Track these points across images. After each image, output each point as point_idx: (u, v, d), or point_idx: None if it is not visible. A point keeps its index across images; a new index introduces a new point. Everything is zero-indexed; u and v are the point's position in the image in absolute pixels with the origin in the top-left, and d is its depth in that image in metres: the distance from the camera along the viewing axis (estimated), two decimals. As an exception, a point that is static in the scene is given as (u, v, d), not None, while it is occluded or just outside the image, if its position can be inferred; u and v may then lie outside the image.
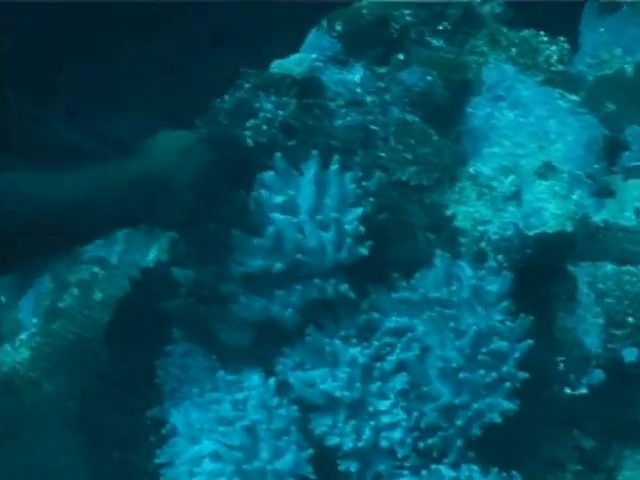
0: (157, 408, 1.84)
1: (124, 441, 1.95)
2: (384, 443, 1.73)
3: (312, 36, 2.01)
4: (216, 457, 1.73)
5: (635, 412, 1.81)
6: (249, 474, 1.70)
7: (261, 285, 1.75)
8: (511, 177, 1.88)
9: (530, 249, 1.80)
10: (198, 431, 1.76)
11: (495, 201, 1.87)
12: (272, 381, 1.78)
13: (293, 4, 2.01)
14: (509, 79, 1.97)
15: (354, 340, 1.76)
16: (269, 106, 1.84)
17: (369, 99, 1.94)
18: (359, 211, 1.76)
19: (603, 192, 1.87)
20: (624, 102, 1.95)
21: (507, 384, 1.73)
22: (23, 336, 2.30)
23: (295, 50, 1.99)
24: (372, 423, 1.73)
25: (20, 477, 2.06)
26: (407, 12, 2.01)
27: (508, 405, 1.73)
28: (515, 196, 1.86)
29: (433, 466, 1.74)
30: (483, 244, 1.83)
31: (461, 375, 1.72)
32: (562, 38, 2.02)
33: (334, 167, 1.77)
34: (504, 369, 1.73)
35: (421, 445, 1.73)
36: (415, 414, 1.73)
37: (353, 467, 1.74)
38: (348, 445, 1.73)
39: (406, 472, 1.74)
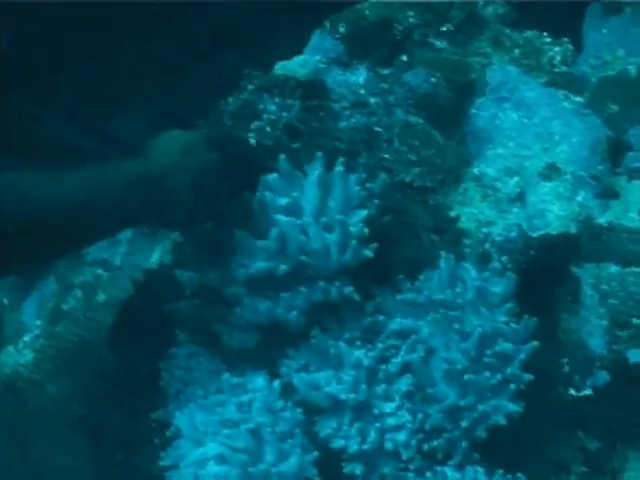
0: (161, 410, 1.83)
1: (128, 443, 1.95)
2: (389, 445, 1.73)
3: (315, 38, 2.01)
4: (221, 460, 1.73)
5: (640, 413, 1.82)
6: (254, 477, 1.70)
7: (265, 287, 1.75)
8: (515, 178, 1.88)
9: (534, 250, 1.80)
10: (203, 434, 1.76)
11: (499, 202, 1.87)
12: (277, 383, 1.77)
13: (293, 4, 2.01)
14: (513, 80, 1.97)
15: (359, 342, 1.76)
16: (273, 108, 1.84)
17: (373, 101, 1.94)
18: (363, 213, 1.76)
19: (607, 193, 1.86)
20: (627, 103, 1.95)
21: (512, 386, 1.73)
22: (26, 338, 2.29)
23: (297, 50, 1.99)
24: (377, 425, 1.73)
25: (23, 479, 2.06)
26: (410, 14, 2.01)
27: (513, 407, 1.73)
28: (519, 197, 1.86)
29: (438, 468, 1.74)
30: (487, 245, 1.83)
31: (466, 377, 1.72)
32: (565, 39, 2.02)
33: (338, 169, 1.77)
34: (509, 371, 1.73)
35: (426, 447, 1.73)
36: (420, 416, 1.73)
37: (358, 469, 1.74)
38: (353, 447, 1.73)
39: (411, 474, 1.74)
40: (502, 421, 1.72)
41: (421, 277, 1.80)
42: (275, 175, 1.77)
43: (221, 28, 2.06)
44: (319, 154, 1.77)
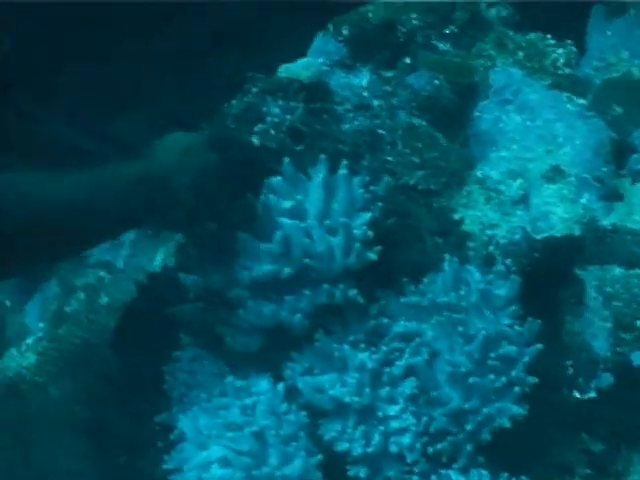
0: (165, 413, 1.83)
1: (131, 446, 1.95)
2: (393, 448, 1.73)
3: (318, 40, 2.01)
4: (225, 463, 1.73)
5: (644, 416, 1.82)
6: (258, 480, 1.70)
7: (269, 290, 1.75)
8: (519, 181, 1.88)
9: (538, 253, 1.80)
10: (206, 437, 1.76)
11: (503, 205, 1.87)
12: (281, 386, 1.77)
13: (293, 4, 2.01)
14: (516, 83, 1.97)
15: (363, 345, 1.76)
16: (277, 110, 1.83)
17: (376, 103, 1.94)
18: (367, 216, 1.76)
19: (611, 195, 1.86)
20: (631, 105, 1.95)
21: (516, 389, 1.73)
22: (29, 341, 2.29)
23: (297, 50, 1.99)
24: (381, 428, 1.73)
25: (26, 482, 2.06)
26: (413, 16, 2.00)
27: (517, 410, 1.72)
28: (523, 200, 1.86)
29: (442, 471, 1.73)
30: (491, 248, 1.83)
31: (470, 380, 1.71)
32: (569, 41, 2.02)
33: (342, 172, 1.76)
34: (513, 374, 1.73)
35: (430, 450, 1.73)
36: (424, 419, 1.73)
37: (362, 472, 1.73)
38: (357, 450, 1.73)
39: (415, 477, 1.73)
40: (506, 424, 1.72)
41: (425, 280, 1.79)
42: (279, 178, 1.77)
43: (221, 28, 2.06)
44: (323, 157, 1.77)
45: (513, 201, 1.87)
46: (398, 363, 1.75)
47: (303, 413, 1.76)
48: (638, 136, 1.92)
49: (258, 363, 1.80)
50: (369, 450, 1.72)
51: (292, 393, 1.77)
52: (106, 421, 2.00)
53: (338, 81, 1.95)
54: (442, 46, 2.01)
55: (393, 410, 1.73)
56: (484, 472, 1.73)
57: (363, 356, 1.75)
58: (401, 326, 1.77)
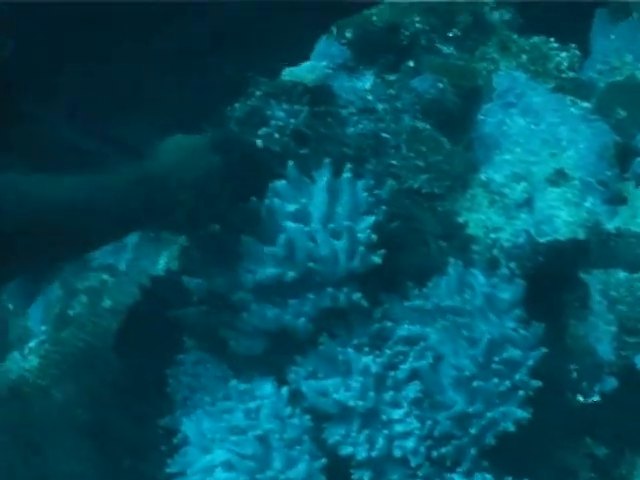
0: (169, 417, 1.83)
1: (134, 449, 1.95)
2: (397, 452, 1.73)
3: (322, 43, 2.01)
4: (228, 467, 1.73)
5: (648, 419, 1.82)
6: (262, 484, 1.70)
7: (273, 294, 1.75)
8: (523, 184, 1.88)
9: (542, 256, 1.80)
10: (210, 440, 1.76)
11: (507, 208, 1.87)
12: (285, 390, 1.77)
13: (292, 4, 2.00)
14: (520, 86, 1.96)
15: (367, 349, 1.76)
16: (281, 114, 1.83)
17: (380, 107, 1.94)
18: (371, 219, 1.76)
19: (615, 199, 1.86)
20: (635, 108, 1.95)
21: (521, 392, 1.72)
22: (32, 344, 2.29)
23: (298, 50, 1.99)
24: (385, 432, 1.73)
25: (29, 485, 2.06)
26: (417, 19, 2.00)
27: (522, 413, 1.72)
28: (527, 203, 1.86)
29: (447, 475, 1.73)
30: (495, 251, 1.83)
31: (474, 384, 1.71)
32: (573, 44, 2.02)
33: (346, 175, 1.76)
34: (517, 377, 1.73)
35: (434, 454, 1.73)
36: (429, 423, 1.73)
37: (366, 476, 1.73)
38: (361, 454, 1.73)
39: (419, 481, 1.73)
40: (511, 428, 1.72)
41: (429, 283, 1.79)
42: (283, 181, 1.77)
43: (221, 28, 2.06)
44: (327, 160, 1.77)
45: (517, 204, 1.87)
46: (402, 367, 1.75)
47: (307, 417, 1.76)
48: (642, 140, 1.92)
49: (262, 367, 1.80)
50: (373, 454, 1.72)
51: (296, 397, 1.77)
52: (109, 424, 2.00)
53: (342, 84, 1.95)
54: (446, 49, 2.01)
55: (397, 414, 1.73)
56: (488, 476, 1.73)
57: (367, 360, 1.74)
58: (405, 330, 1.77)
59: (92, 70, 1.91)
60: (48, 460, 2.07)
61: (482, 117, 1.96)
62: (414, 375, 1.75)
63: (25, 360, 2.28)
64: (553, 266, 1.80)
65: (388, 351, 1.76)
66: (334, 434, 1.75)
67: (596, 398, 1.80)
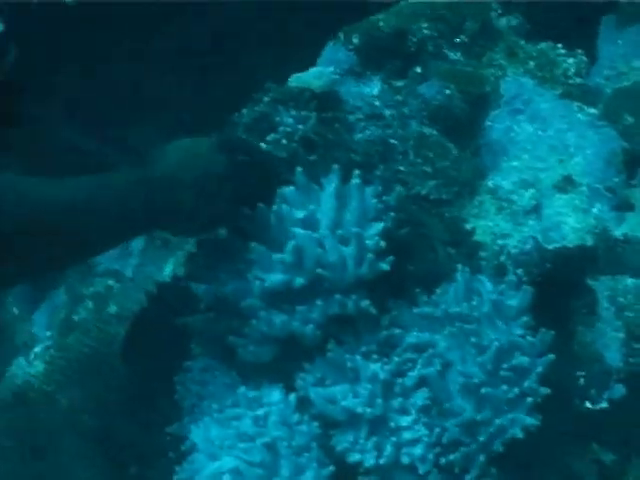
0: (176, 424, 1.83)
1: (142, 456, 1.94)
2: (405, 459, 1.72)
3: (329, 49, 2.01)
4: (236, 474, 1.72)
5: (656, 426, 1.82)
6: (270, 491, 1.70)
7: (282, 300, 1.74)
8: (530, 191, 1.88)
9: (550, 263, 1.80)
10: (218, 447, 1.75)
11: (515, 215, 1.87)
12: (293, 397, 1.77)
13: (293, 4, 2.00)
14: (527, 92, 1.96)
15: (375, 356, 1.75)
16: (289, 120, 1.83)
17: (387, 112, 1.94)
18: (380, 226, 1.75)
19: (623, 205, 1.86)
20: (643, 114, 1.95)
21: (529, 399, 1.72)
22: (37, 349, 2.29)
23: (298, 50, 1.98)
24: (393, 439, 1.72)
25: (34, 490, 2.06)
26: (424, 25, 2.00)
27: (530, 420, 1.72)
28: (535, 210, 1.86)
29: (455, 482, 1.73)
30: (503, 258, 1.83)
31: (483, 391, 1.71)
32: (580, 50, 2.02)
33: (355, 181, 1.76)
34: (526, 384, 1.72)
35: (443, 461, 1.72)
36: (437, 430, 1.72)
37: (374, 483, 1.73)
38: (369, 461, 1.72)
39: (428, 488, 1.73)
40: (519, 434, 1.72)
41: (437, 290, 1.79)
42: (292, 188, 1.76)
43: (221, 28, 2.06)
44: (335, 167, 1.77)
45: (525, 211, 1.87)
46: (410, 374, 1.75)
47: (315, 424, 1.75)
48: (649, 146, 1.92)
49: (270, 373, 1.80)
50: (381, 461, 1.72)
51: (304, 404, 1.77)
52: (115, 431, 2.00)
53: (349, 90, 1.95)
54: (453, 55, 2.01)
55: (405, 421, 1.73)
56: (496, 483, 1.73)
57: (375, 367, 1.74)
58: (413, 337, 1.77)
59: (92, 70, 1.91)
60: (53, 466, 2.07)
61: (489, 123, 1.97)
62: (422, 382, 1.74)
63: (30, 366, 2.28)
64: (561, 273, 1.80)
65: (396, 358, 1.75)
66: (342, 441, 1.74)
67: (604, 405, 1.80)
